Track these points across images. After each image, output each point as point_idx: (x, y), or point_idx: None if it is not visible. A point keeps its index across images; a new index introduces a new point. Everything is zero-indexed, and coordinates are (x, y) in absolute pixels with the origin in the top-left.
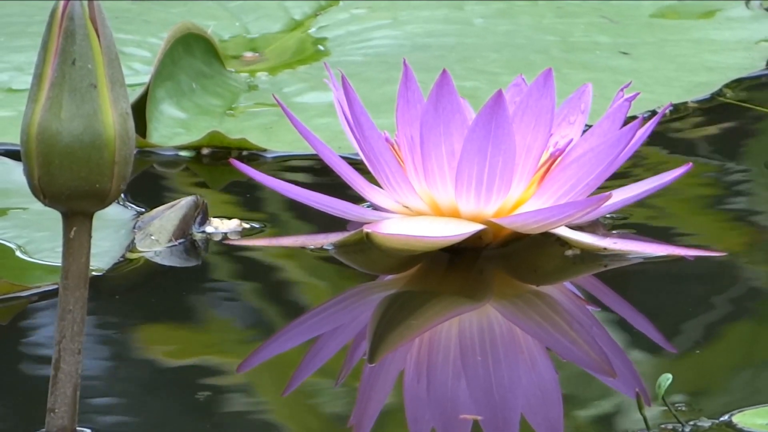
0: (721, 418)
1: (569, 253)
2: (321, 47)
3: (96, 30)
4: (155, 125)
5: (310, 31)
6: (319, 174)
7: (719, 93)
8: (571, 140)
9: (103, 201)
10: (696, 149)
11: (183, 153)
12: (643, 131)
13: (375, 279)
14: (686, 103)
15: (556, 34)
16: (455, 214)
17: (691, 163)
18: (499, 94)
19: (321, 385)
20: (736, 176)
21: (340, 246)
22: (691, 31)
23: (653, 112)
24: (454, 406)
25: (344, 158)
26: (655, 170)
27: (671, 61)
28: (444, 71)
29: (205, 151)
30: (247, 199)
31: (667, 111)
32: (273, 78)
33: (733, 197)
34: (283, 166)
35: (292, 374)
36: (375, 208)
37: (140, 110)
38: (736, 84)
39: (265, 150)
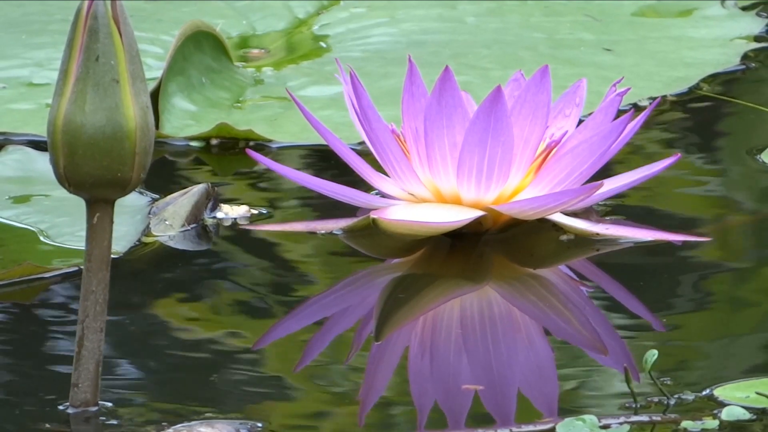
0: (704, 392)
1: (564, 238)
2: (323, 44)
3: (118, 28)
4: (167, 117)
5: (312, 28)
6: (321, 163)
7: (696, 87)
8: (567, 132)
9: (125, 189)
10: (677, 140)
11: (193, 143)
12: (634, 124)
13: (381, 262)
14: (666, 96)
15: (543, 31)
16: (457, 201)
17: (679, 154)
18: (498, 89)
19: (331, 361)
20: (716, 164)
21: (348, 231)
22: (670, 28)
23: (635, 105)
24: (455, 380)
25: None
26: (640, 161)
27: (651, 57)
28: (447, 68)
29: (214, 141)
30: (254, 186)
31: (648, 103)
32: (278, 73)
33: (714, 185)
34: (288, 155)
35: (304, 351)
36: (381, 195)
37: (153, 103)
38: (712, 78)
39: (270, 141)
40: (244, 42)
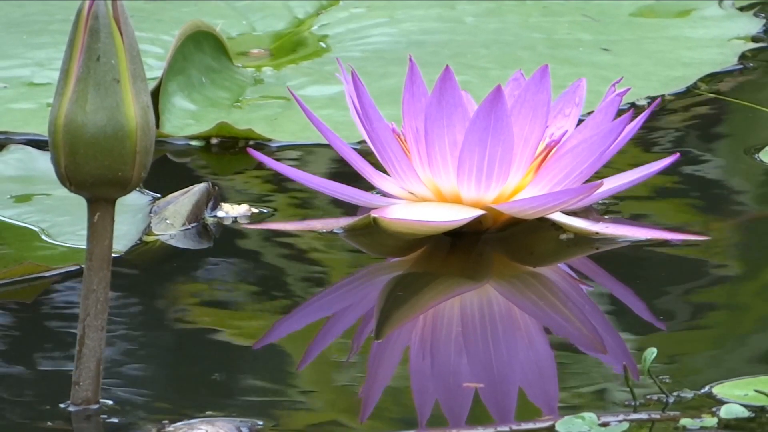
0: (703, 390)
1: (563, 236)
2: (322, 44)
3: (119, 28)
4: (167, 116)
5: (312, 29)
6: (321, 162)
7: (694, 87)
8: (566, 131)
9: (126, 188)
10: (675, 139)
11: (193, 142)
12: (634, 124)
13: (382, 261)
14: (664, 96)
15: (541, 31)
16: (457, 200)
17: (678, 154)
18: (498, 89)
19: (332, 360)
20: (714, 164)
21: (348, 230)
22: (668, 29)
23: (633, 105)
24: (456, 379)
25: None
26: (639, 160)
27: (649, 57)
28: (447, 67)
29: (213, 140)
30: (253, 185)
31: (646, 103)
32: (277, 72)
33: (713, 184)
34: (287, 155)
35: (306, 350)
36: (382, 194)
37: (153, 102)
38: (710, 78)
39: (270, 140)
40: (244, 42)
